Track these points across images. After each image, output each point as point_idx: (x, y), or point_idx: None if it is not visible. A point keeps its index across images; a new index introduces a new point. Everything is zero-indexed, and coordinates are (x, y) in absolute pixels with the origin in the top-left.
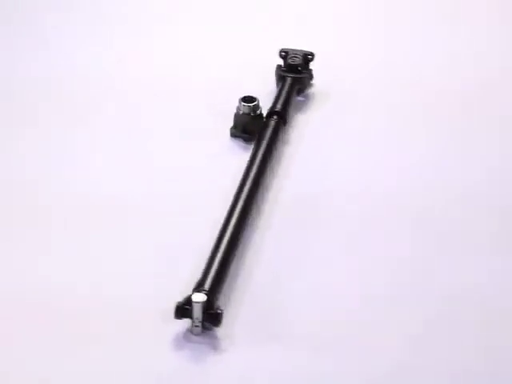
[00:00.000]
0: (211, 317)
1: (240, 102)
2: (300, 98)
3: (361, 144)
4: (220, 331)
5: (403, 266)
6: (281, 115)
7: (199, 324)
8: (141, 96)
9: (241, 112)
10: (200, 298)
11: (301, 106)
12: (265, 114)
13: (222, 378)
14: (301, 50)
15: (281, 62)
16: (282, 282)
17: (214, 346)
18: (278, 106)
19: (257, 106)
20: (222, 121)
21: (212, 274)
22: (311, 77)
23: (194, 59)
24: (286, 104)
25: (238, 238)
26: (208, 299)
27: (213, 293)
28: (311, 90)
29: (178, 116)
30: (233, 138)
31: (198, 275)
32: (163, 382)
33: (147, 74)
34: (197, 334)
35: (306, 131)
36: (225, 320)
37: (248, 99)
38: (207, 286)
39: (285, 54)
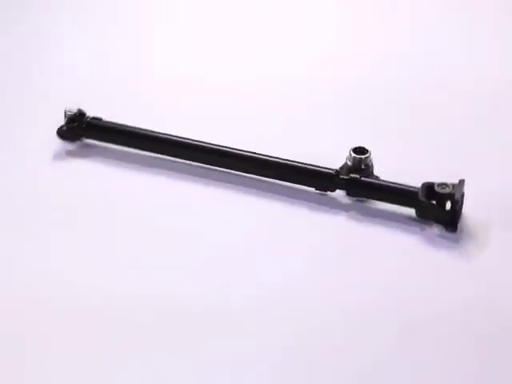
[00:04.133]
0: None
1: (350, 153)
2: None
3: None
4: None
5: None
6: (348, 182)
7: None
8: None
9: (349, 163)
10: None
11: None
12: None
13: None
14: (462, 188)
15: None
16: None
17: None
18: (361, 177)
19: (368, 160)
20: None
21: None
22: (433, 214)
23: None
24: (370, 187)
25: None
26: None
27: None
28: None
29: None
30: None
31: None
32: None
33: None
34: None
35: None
36: None
37: (359, 150)
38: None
39: (454, 185)
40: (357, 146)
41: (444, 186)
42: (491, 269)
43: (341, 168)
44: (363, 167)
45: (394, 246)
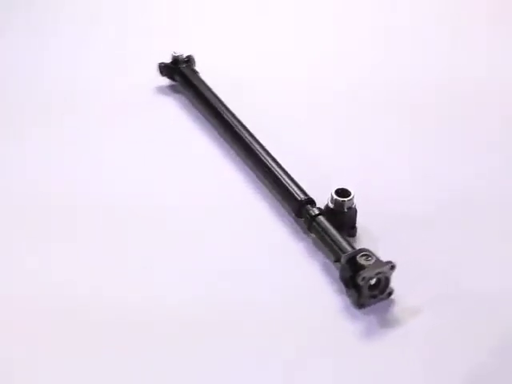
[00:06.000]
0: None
1: (332, 195)
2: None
3: None
4: None
5: None
6: (306, 214)
7: None
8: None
9: (331, 206)
10: None
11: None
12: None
13: None
14: (383, 269)
15: None
16: None
17: None
18: (319, 214)
19: (351, 202)
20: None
21: None
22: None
23: None
24: (318, 227)
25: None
26: None
27: None
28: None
29: None
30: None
31: None
32: None
33: None
34: None
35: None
36: None
37: (342, 193)
38: None
39: (378, 261)
40: (340, 187)
41: (368, 258)
42: (374, 359)
43: (324, 210)
44: (345, 210)
45: (309, 295)
